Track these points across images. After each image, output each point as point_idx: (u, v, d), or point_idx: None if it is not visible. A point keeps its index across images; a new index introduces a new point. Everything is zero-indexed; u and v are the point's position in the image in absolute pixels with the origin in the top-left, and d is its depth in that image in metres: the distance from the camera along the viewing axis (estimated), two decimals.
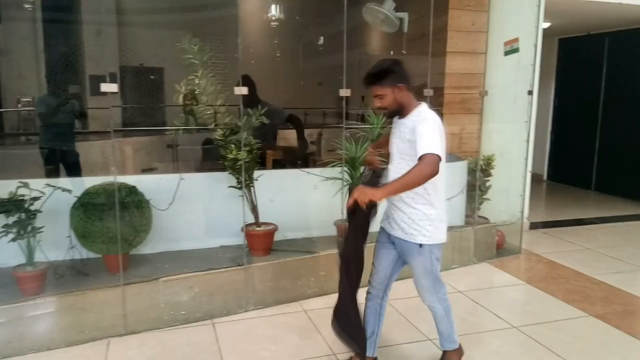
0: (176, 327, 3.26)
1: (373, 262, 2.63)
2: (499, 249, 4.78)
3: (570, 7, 5.87)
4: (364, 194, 2.17)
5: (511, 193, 5.03)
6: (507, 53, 4.84)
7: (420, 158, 2.14)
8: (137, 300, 3.19)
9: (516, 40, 4.76)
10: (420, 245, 2.41)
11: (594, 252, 4.95)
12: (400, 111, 2.40)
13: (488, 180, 4.77)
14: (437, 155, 2.14)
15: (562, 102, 8.21)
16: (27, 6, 6.66)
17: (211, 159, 5.02)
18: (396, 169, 2.42)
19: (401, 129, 2.39)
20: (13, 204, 2.99)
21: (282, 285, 3.61)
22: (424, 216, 2.39)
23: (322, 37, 7.80)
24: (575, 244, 5.20)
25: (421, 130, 2.22)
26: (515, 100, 4.91)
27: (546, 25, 6.26)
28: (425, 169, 2.12)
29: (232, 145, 3.51)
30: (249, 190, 3.70)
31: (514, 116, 4.93)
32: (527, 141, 4.86)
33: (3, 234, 2.99)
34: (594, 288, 4.01)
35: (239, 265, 3.51)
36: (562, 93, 8.19)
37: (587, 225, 5.97)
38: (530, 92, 4.79)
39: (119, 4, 6.98)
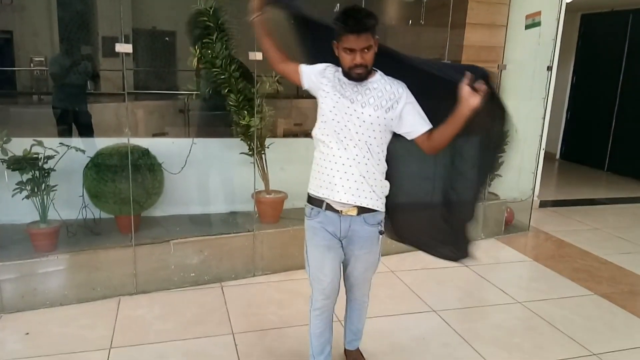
0: (185, 289, 3.32)
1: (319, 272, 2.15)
2: (507, 225, 4.77)
3: None
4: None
5: (523, 170, 4.99)
6: (528, 27, 4.72)
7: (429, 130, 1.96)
8: (148, 261, 3.24)
9: (538, 13, 4.64)
10: (381, 232, 2.13)
11: (603, 232, 4.93)
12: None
13: (500, 156, 4.72)
14: None
15: (580, 79, 8.04)
16: None
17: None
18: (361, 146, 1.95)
19: (375, 94, 1.94)
20: (27, 162, 3.02)
21: (290, 252, 3.64)
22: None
23: (338, 4, 7.64)
24: (585, 224, 5.18)
25: (413, 100, 1.98)
26: (534, 76, 4.81)
27: None
28: None
29: (245, 112, 3.49)
30: (260, 158, 3.70)
31: (531, 92, 4.84)
32: (543, 118, 4.78)
33: (17, 191, 3.03)
34: (601, 268, 4.01)
35: (249, 231, 3.54)
36: (581, 70, 8.02)
37: (598, 206, 5.94)
38: (549, 68, 4.69)
39: None
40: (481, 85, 1.76)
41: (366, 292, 2.33)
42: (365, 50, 1.86)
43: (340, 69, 2.00)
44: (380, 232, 2.11)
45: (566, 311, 3.23)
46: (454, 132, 1.87)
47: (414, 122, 1.98)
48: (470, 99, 1.77)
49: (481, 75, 1.80)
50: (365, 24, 1.84)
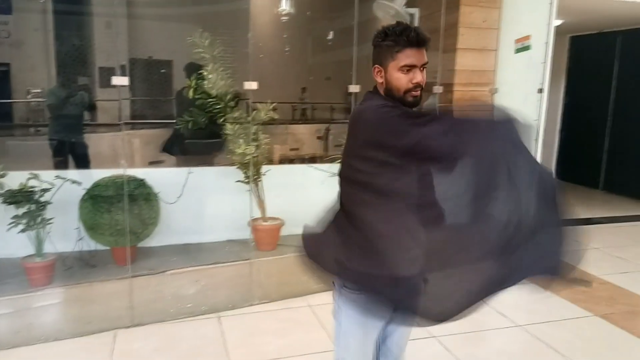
0: (182, 320, 3.29)
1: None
2: None
3: (583, 4, 5.80)
4: None
5: None
6: (518, 50, 4.80)
7: None
8: (144, 292, 3.21)
9: (527, 37, 4.73)
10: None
11: (601, 252, 4.92)
12: None
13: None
14: None
15: (572, 100, 8.14)
16: None
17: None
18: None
19: None
20: (23, 195, 3.02)
21: (288, 280, 3.62)
22: None
23: (331, 32, 7.77)
24: (582, 244, 5.16)
25: None
26: (525, 99, 4.87)
27: (558, 22, 6.19)
28: None
29: (241, 140, 3.52)
30: (256, 185, 3.71)
31: (523, 114, 4.89)
32: (536, 140, 4.82)
33: (13, 224, 3.02)
34: (599, 288, 3.99)
35: (245, 260, 3.53)
36: (572, 91, 8.12)
37: (594, 225, 5.93)
38: (540, 90, 4.76)
39: None
40: None
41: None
42: (423, 69, 1.61)
43: (392, 105, 1.61)
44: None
45: (567, 334, 3.21)
46: None
47: None
48: None
49: None
50: (426, 36, 1.59)
